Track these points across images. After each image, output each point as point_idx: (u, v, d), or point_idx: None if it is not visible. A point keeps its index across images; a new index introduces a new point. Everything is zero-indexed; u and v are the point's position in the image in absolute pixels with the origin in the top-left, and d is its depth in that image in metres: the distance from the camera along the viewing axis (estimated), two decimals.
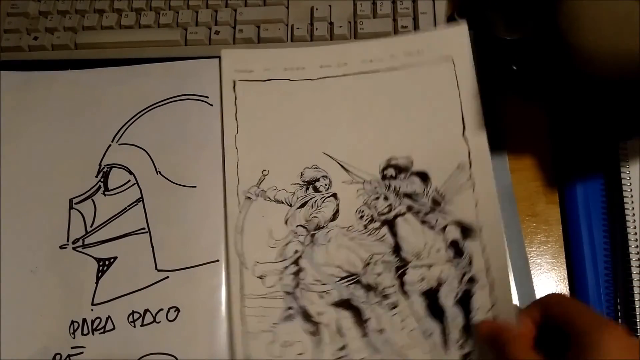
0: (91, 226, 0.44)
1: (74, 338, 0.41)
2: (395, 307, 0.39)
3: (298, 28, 0.49)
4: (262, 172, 0.43)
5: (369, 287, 0.40)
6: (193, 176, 0.44)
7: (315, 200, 0.42)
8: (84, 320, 0.41)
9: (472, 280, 0.39)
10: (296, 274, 0.40)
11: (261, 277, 0.40)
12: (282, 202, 0.42)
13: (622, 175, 0.42)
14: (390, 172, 0.42)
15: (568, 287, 0.42)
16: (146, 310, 0.41)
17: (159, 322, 0.40)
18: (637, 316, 0.39)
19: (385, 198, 0.42)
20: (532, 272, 0.42)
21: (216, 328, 0.40)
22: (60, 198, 0.44)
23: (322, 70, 0.45)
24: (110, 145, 0.46)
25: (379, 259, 0.40)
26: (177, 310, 0.41)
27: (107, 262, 0.42)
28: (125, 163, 0.45)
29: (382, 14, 0.48)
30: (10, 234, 0.44)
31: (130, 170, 0.45)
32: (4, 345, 0.40)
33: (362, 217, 0.41)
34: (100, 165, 0.45)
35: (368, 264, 0.40)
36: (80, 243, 0.43)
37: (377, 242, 0.41)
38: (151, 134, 0.46)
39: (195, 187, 0.44)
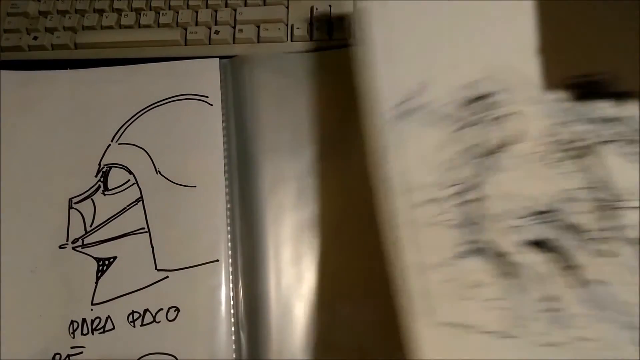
0: (90, 226, 0.43)
1: (73, 338, 0.40)
2: (605, 254, 0.30)
3: (298, 28, 0.49)
4: (420, 84, 0.35)
5: (570, 228, 0.31)
6: (193, 176, 0.44)
7: (492, 118, 0.34)
8: (84, 320, 0.41)
9: None
10: (474, 202, 0.32)
11: (429, 203, 0.33)
12: (447, 119, 0.34)
13: None
14: (590, 89, 0.33)
15: None
16: (146, 310, 0.41)
17: (158, 322, 0.40)
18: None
19: (581, 122, 0.33)
20: None
21: (216, 328, 0.40)
22: (60, 198, 0.44)
23: None
24: (109, 145, 0.46)
25: (580, 195, 0.32)
26: (177, 310, 0.41)
27: (106, 262, 0.42)
28: (124, 163, 0.45)
29: None
30: (10, 234, 0.43)
31: (130, 170, 0.45)
32: (4, 345, 0.40)
33: (556, 142, 0.33)
34: (99, 164, 0.45)
35: (567, 199, 0.32)
36: (79, 243, 0.43)
37: (577, 174, 0.32)
38: (151, 134, 0.46)
39: (195, 187, 0.44)
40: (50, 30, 0.52)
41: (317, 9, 0.49)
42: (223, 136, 0.45)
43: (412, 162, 0.34)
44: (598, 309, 0.30)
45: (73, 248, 0.43)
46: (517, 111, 0.34)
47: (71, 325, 0.41)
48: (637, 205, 0.31)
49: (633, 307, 0.29)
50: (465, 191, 0.33)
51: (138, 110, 0.46)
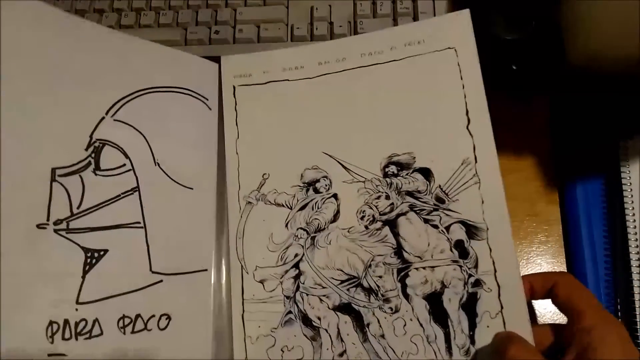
0: (78, 207, 0.36)
1: (52, 343, 0.32)
2: (396, 311, 0.37)
3: (298, 28, 0.47)
4: (263, 176, 0.41)
5: (370, 291, 0.38)
6: (190, 177, 0.41)
7: (316, 202, 0.40)
8: (66, 322, 0.33)
9: (477, 283, 0.36)
10: (296, 277, 0.39)
11: (262, 282, 0.39)
12: (283, 205, 0.41)
13: (622, 175, 0.41)
14: (392, 169, 0.40)
15: None
16: (138, 316, 0.36)
17: (150, 330, 0.36)
18: (637, 316, 0.38)
19: (387, 197, 0.39)
20: (532, 272, 0.42)
21: (206, 339, 0.37)
22: (40, 165, 0.35)
23: (321, 68, 0.43)
24: (103, 117, 0.39)
25: (380, 260, 0.38)
26: (169, 318, 0.36)
27: (96, 255, 0.35)
28: (120, 143, 0.39)
29: (382, 13, 0.47)
30: None
31: (126, 154, 0.39)
32: None
33: (363, 217, 0.39)
34: (91, 137, 0.38)
35: (369, 266, 0.38)
36: (63, 225, 0.35)
37: (379, 243, 0.38)
38: (151, 120, 0.41)
39: (192, 189, 0.40)
40: None
41: (317, 8, 0.48)
42: (217, 143, 0.43)
43: (256, 245, 0.40)
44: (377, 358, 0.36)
45: (56, 231, 0.35)
46: (337, 193, 0.40)
47: (50, 327, 0.33)
48: (419, 266, 0.37)
49: (403, 354, 0.36)
50: (290, 269, 0.39)
51: (139, 89, 0.41)
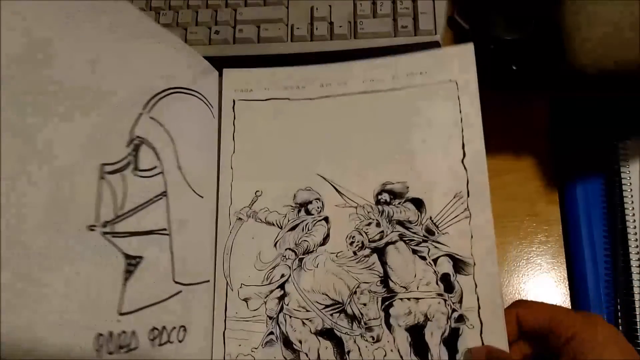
0: (121, 209, 0.33)
1: (99, 358, 0.29)
2: (378, 340, 0.37)
3: (298, 28, 0.47)
4: (256, 193, 0.41)
5: (353, 318, 0.37)
6: (201, 185, 0.40)
7: (306, 224, 0.40)
8: (111, 334, 0.30)
9: (461, 318, 0.36)
10: (281, 298, 0.39)
11: (246, 300, 0.39)
12: (273, 224, 0.40)
13: (622, 175, 0.41)
14: (385, 197, 0.40)
15: (568, 287, 0.41)
16: (164, 328, 0.34)
17: (172, 342, 0.34)
18: (637, 316, 0.38)
19: (378, 224, 0.39)
20: (532, 272, 0.42)
21: (208, 353, 0.37)
22: (90, 159, 0.31)
23: (322, 90, 0.43)
24: (141, 114, 0.36)
25: (366, 288, 0.38)
26: (185, 330, 0.36)
27: (134, 262, 0.33)
28: (154, 143, 0.37)
29: (382, 14, 0.46)
30: (20, 196, 0.27)
31: (158, 155, 0.37)
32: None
33: (352, 243, 0.39)
34: (131, 133, 0.35)
35: (354, 292, 0.38)
36: (109, 228, 0.32)
37: (366, 270, 0.38)
38: (175, 121, 0.39)
39: (202, 197, 0.40)
40: None
41: (317, 9, 0.47)
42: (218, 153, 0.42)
43: (243, 262, 0.40)
44: None
45: (103, 233, 0.31)
46: (328, 216, 0.40)
47: (97, 340, 0.29)
48: (404, 296, 0.37)
49: None
50: (275, 289, 0.39)
51: (169, 87, 0.39)
